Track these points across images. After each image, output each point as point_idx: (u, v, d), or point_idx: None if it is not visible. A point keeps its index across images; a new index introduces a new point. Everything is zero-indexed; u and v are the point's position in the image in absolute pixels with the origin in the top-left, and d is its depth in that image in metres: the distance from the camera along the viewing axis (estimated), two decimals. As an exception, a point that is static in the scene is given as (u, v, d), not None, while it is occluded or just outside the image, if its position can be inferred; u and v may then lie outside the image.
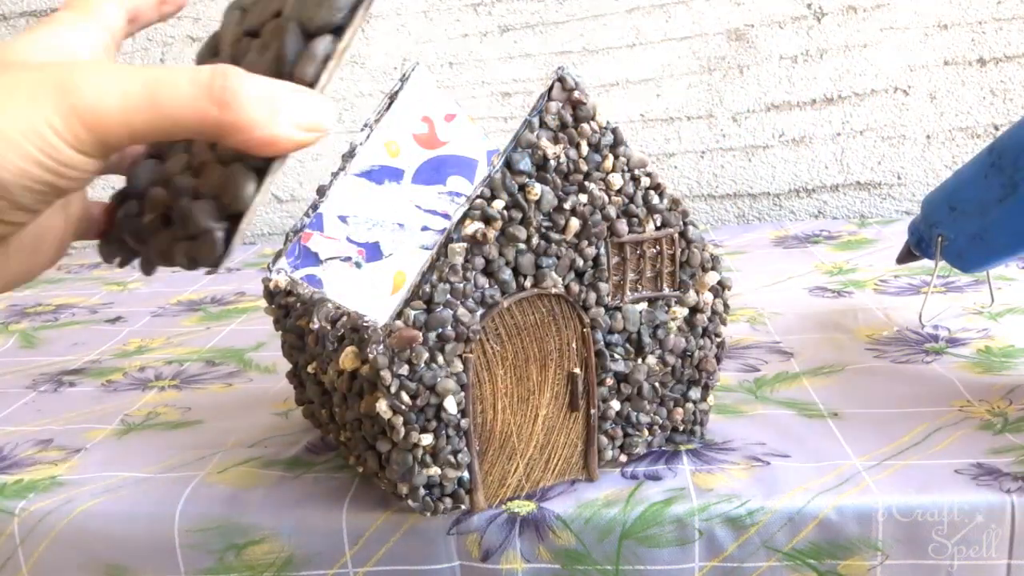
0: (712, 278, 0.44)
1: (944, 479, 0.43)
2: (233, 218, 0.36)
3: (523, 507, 0.43)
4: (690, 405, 0.47)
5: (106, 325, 0.79)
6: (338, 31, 0.38)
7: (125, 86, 0.32)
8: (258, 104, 0.33)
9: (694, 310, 0.45)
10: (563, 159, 0.39)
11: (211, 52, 0.47)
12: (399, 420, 0.39)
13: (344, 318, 0.43)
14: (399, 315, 0.39)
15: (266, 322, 0.74)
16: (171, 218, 0.40)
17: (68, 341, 0.75)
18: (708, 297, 0.45)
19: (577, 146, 0.40)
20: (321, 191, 0.53)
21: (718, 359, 0.47)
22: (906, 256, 0.64)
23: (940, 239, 0.58)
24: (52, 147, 0.31)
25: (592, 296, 0.42)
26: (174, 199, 0.39)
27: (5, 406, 0.60)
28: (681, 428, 0.48)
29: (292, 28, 0.38)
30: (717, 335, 0.46)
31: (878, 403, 0.52)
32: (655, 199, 0.42)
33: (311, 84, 0.36)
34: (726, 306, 0.46)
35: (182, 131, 0.33)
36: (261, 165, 0.36)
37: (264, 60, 0.38)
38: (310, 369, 0.47)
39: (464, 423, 0.41)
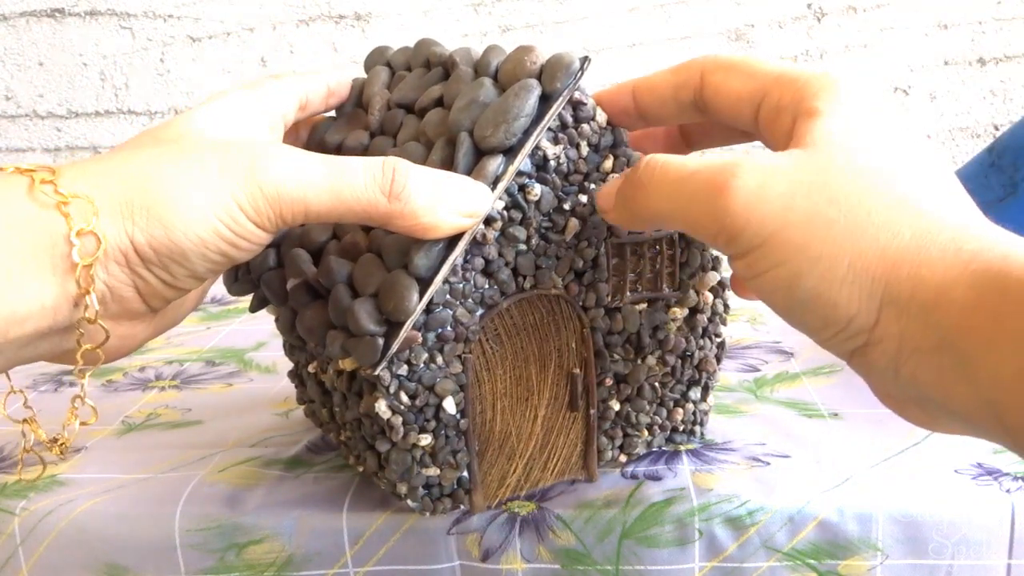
0: (712, 278, 0.44)
1: (944, 479, 0.43)
2: (393, 324, 0.37)
3: (523, 507, 0.43)
4: (690, 405, 0.47)
5: (106, 325, 0.79)
6: (509, 153, 0.38)
7: (309, 173, 0.34)
8: (423, 195, 0.35)
9: (694, 310, 0.45)
10: (563, 159, 0.39)
11: (356, 103, 0.47)
12: (398, 420, 0.39)
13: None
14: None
15: (266, 322, 0.74)
16: (317, 291, 0.40)
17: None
18: (708, 297, 0.45)
19: (577, 146, 0.40)
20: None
21: (718, 359, 0.47)
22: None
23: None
24: (235, 220, 0.33)
25: (592, 297, 0.42)
26: (328, 280, 0.39)
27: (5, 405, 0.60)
28: (681, 428, 0.48)
29: (465, 142, 0.38)
30: (717, 335, 0.46)
31: (878, 403, 0.52)
32: (655, 199, 0.42)
33: None
34: (726, 306, 0.46)
35: (352, 216, 0.35)
36: (423, 276, 0.36)
37: (431, 163, 0.38)
38: (311, 369, 0.47)
39: (463, 423, 0.41)
